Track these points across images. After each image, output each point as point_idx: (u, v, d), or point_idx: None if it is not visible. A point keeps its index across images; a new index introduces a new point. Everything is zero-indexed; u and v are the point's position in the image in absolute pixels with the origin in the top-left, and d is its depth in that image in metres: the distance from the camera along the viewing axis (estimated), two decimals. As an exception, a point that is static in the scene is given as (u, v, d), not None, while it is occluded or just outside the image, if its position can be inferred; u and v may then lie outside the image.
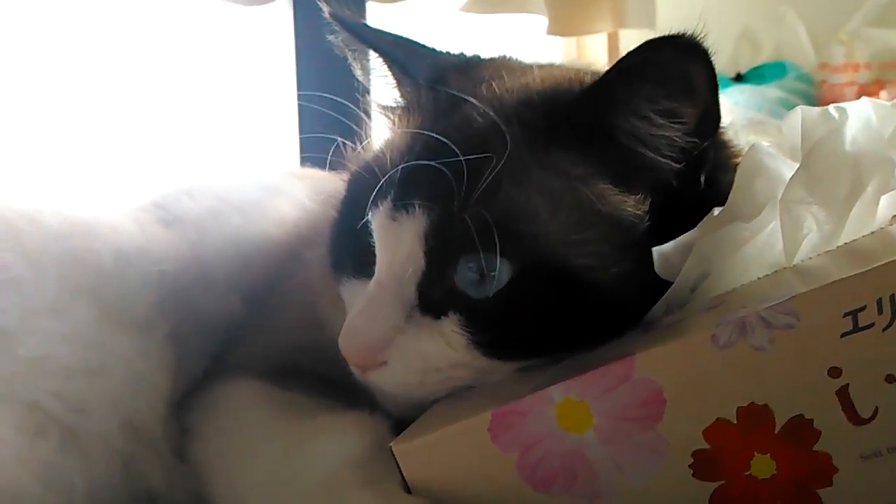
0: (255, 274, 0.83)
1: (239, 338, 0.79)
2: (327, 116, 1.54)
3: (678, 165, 0.58)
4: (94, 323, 0.67)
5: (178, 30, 1.55)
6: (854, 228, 0.54)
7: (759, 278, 0.55)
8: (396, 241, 0.60)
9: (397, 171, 0.61)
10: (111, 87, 1.45)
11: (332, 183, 0.97)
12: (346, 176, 0.74)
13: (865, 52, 2.45)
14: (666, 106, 0.56)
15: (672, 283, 0.57)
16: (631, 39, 2.59)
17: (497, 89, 0.63)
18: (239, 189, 0.90)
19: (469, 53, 0.76)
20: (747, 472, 0.49)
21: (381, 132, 0.76)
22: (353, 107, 0.75)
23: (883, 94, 2.38)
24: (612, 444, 0.51)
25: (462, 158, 0.57)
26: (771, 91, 2.45)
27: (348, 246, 0.68)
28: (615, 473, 0.51)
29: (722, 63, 2.66)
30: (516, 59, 0.74)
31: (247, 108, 1.62)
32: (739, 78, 2.66)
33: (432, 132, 0.62)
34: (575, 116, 0.59)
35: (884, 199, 0.53)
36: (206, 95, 1.56)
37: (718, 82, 0.56)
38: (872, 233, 0.53)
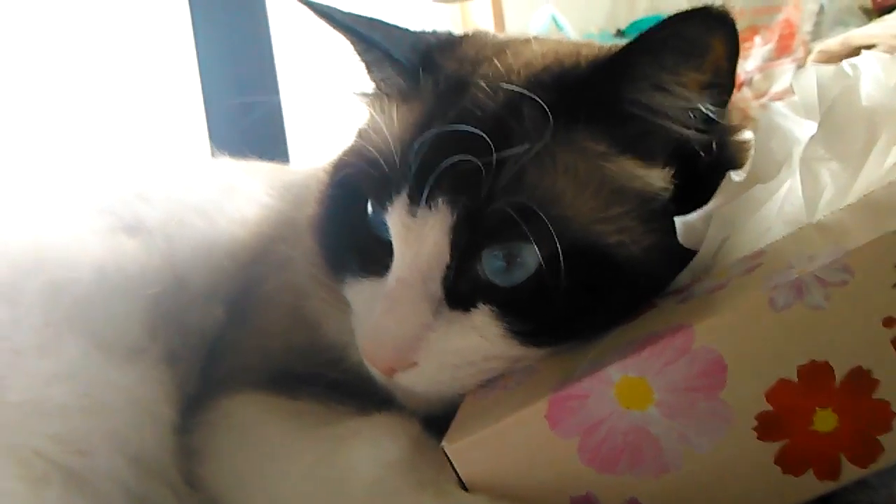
0: (230, 278, 0.79)
1: (226, 348, 0.75)
2: (234, 98, 1.48)
3: (704, 135, 0.58)
4: (85, 356, 0.63)
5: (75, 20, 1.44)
6: (866, 180, 0.56)
7: (783, 237, 0.56)
8: (419, 237, 0.58)
9: (412, 164, 0.58)
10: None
11: (285, 175, 0.94)
12: (331, 168, 0.71)
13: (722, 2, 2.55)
14: (692, 77, 0.56)
15: (691, 250, 0.58)
16: (514, 5, 2.62)
17: (501, 69, 0.62)
18: (195, 190, 0.85)
19: (439, 31, 0.74)
20: (810, 428, 0.50)
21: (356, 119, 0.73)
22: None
23: (757, 39, 2.50)
24: (676, 417, 0.51)
25: (494, 151, 0.55)
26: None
27: (348, 244, 0.66)
28: (680, 445, 0.51)
29: (602, 21, 2.74)
30: (493, 35, 0.73)
31: (150, 94, 1.53)
32: (620, 33, 2.73)
33: (438, 119, 0.60)
34: (595, 92, 0.58)
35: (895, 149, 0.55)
36: (109, 83, 1.46)
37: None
38: (888, 185, 0.55)
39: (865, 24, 2.16)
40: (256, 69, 1.50)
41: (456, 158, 0.56)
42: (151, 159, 1.22)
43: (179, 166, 0.96)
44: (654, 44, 0.56)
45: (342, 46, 0.73)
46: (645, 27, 0.56)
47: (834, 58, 1.80)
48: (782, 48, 2.40)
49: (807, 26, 2.35)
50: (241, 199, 0.86)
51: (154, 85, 1.54)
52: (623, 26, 2.75)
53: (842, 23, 2.30)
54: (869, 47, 1.71)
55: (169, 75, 1.56)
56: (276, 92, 1.52)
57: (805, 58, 2.11)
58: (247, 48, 1.50)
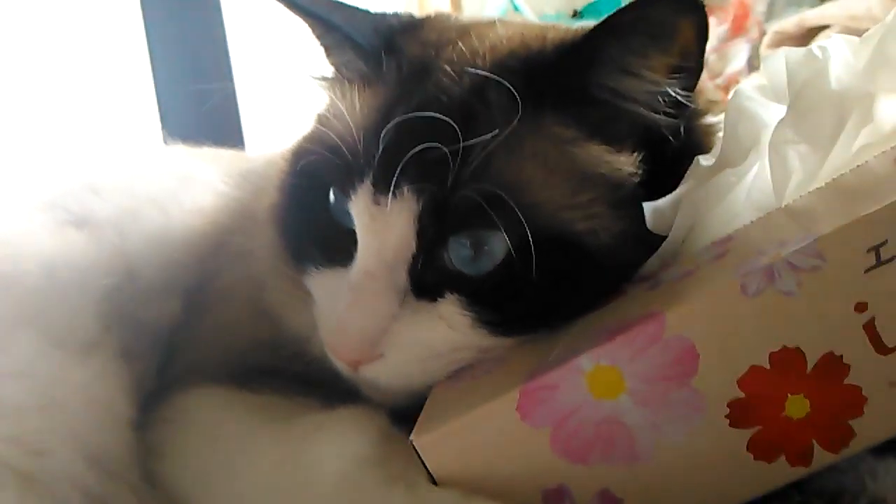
0: (187, 271, 0.77)
1: (185, 342, 0.73)
2: (186, 84, 1.45)
3: (672, 119, 0.57)
4: (38, 351, 0.60)
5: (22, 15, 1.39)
6: (834, 164, 0.56)
7: (752, 222, 0.56)
8: (384, 226, 0.57)
9: (376, 151, 0.57)
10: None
11: (242, 162, 0.91)
12: (290, 155, 0.69)
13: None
14: (660, 61, 0.55)
15: (660, 236, 0.58)
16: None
17: (466, 53, 0.60)
18: (149, 180, 0.82)
19: (399, 13, 0.72)
20: (783, 414, 0.50)
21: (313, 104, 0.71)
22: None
23: (712, 19, 2.50)
24: (648, 406, 0.51)
25: (460, 138, 0.54)
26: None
27: (310, 233, 0.64)
28: (652, 434, 0.51)
29: (559, 3, 2.73)
30: (455, 17, 0.71)
31: (101, 81, 1.48)
32: (576, 15, 2.72)
33: (402, 104, 0.58)
34: (562, 77, 0.57)
35: (864, 131, 0.55)
36: (58, 71, 1.42)
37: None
38: (856, 168, 0.55)
39: (818, 5, 2.17)
40: (209, 54, 1.47)
41: (422, 146, 0.54)
42: (103, 149, 1.18)
43: (132, 156, 0.93)
44: (621, 27, 0.55)
45: (297, 30, 0.71)
46: (602, 9, 0.56)
47: (789, 38, 1.82)
48: (736, 28, 2.41)
49: (760, 6, 2.36)
50: (196, 188, 0.84)
51: (104, 72, 1.50)
52: (580, 7, 2.74)
53: (795, 3, 2.30)
54: (824, 28, 1.72)
55: (119, 61, 1.52)
56: (230, 77, 1.48)
57: (759, 38, 2.12)
58: (199, 33, 1.47)
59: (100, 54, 1.49)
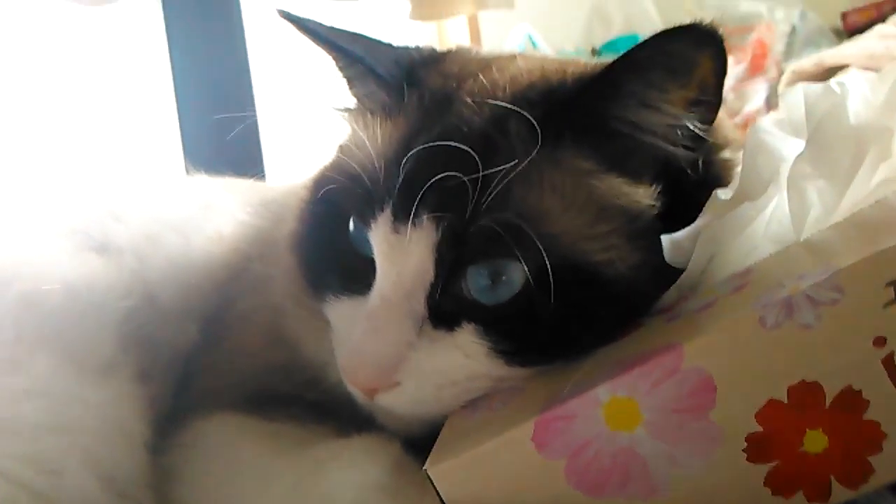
0: (205, 297, 0.77)
1: (200, 368, 0.74)
2: (208, 112, 1.46)
3: (690, 153, 0.58)
4: (57, 372, 0.61)
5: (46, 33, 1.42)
6: (853, 198, 0.56)
7: (770, 255, 0.56)
8: (403, 255, 0.57)
9: (396, 180, 0.57)
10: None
11: (262, 192, 0.92)
12: (311, 184, 0.70)
13: (710, 19, 2.57)
14: (680, 94, 0.56)
15: (678, 269, 0.58)
16: (491, 23, 2.62)
17: (487, 85, 0.61)
18: (170, 207, 0.83)
19: (420, 47, 0.73)
20: (800, 449, 0.49)
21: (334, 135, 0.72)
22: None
23: (730, 58, 2.52)
24: (664, 438, 0.50)
25: (480, 167, 0.54)
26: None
27: (330, 261, 0.64)
28: (669, 467, 0.51)
29: (577, 40, 2.75)
30: (476, 51, 0.72)
31: (125, 110, 1.51)
32: (595, 53, 2.74)
33: (422, 134, 0.59)
34: (581, 110, 0.57)
35: (882, 167, 0.55)
36: (83, 100, 1.44)
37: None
38: (875, 203, 0.55)
39: (836, 45, 2.18)
40: (232, 84, 1.49)
41: (442, 174, 0.54)
42: (125, 177, 1.20)
43: (154, 184, 0.94)
44: (641, 61, 0.55)
45: (319, 62, 0.72)
46: (621, 46, 0.57)
47: (807, 78, 1.82)
48: (755, 68, 2.42)
49: (779, 46, 2.37)
50: (217, 216, 0.85)
51: (128, 101, 1.52)
52: (598, 45, 2.76)
53: (813, 43, 2.32)
54: (842, 68, 1.73)
55: (143, 91, 1.55)
56: (252, 107, 1.50)
57: (778, 77, 2.12)
58: (222, 63, 1.49)
59: (124, 83, 1.52)
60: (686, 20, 0.54)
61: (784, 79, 1.89)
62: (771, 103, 2.07)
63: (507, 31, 2.59)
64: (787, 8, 2.45)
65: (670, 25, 0.53)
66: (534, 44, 2.65)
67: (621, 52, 0.56)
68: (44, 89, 1.46)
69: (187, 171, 1.02)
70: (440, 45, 2.53)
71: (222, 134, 1.45)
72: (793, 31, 2.40)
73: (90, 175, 1.37)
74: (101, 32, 1.55)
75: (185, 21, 1.47)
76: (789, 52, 2.35)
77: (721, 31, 0.53)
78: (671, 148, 0.58)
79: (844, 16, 2.47)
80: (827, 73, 1.76)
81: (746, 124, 1.97)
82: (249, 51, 1.51)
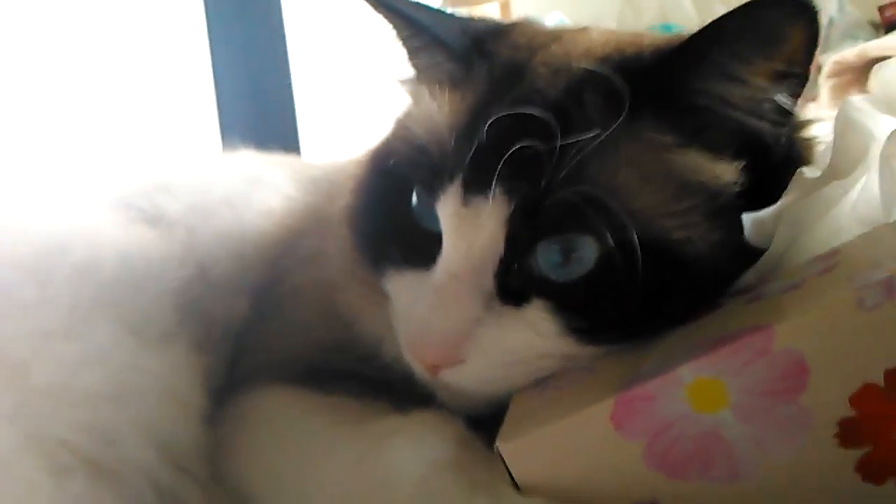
0: (255, 272, 0.76)
1: (253, 343, 0.72)
2: (245, 91, 1.46)
3: (776, 128, 0.55)
4: (115, 341, 0.60)
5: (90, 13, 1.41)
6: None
7: (859, 236, 0.54)
8: (473, 228, 0.55)
9: (467, 151, 0.55)
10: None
11: (310, 169, 0.91)
12: (369, 157, 0.68)
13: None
14: (768, 67, 0.53)
15: (758, 249, 0.56)
16: (523, 11, 2.60)
17: (561, 56, 0.59)
18: (219, 182, 0.82)
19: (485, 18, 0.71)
20: (895, 435, 0.47)
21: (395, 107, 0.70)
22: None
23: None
24: (751, 422, 0.48)
25: (558, 137, 0.52)
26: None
27: (390, 235, 0.62)
28: (755, 452, 0.49)
29: (612, 26, 2.73)
30: (541, 24, 0.70)
31: (161, 88, 1.50)
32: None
33: (494, 104, 0.57)
34: (662, 82, 0.55)
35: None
36: (122, 78, 1.43)
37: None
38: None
39: (875, 37, 2.15)
40: (269, 63, 1.47)
41: (519, 145, 0.52)
42: (172, 151, 1.19)
43: (202, 158, 0.93)
44: (728, 31, 0.53)
45: (357, 38, 0.70)
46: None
47: (849, 69, 1.79)
48: (790, 61, 2.38)
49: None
50: (266, 191, 0.84)
51: (166, 78, 1.51)
52: (629, 34, 2.74)
53: (851, 36, 2.29)
54: (885, 59, 1.69)
55: (181, 68, 1.53)
56: (290, 87, 1.49)
57: (816, 70, 2.09)
58: (260, 43, 1.48)
59: (162, 58, 1.51)
60: (720, 10, 0.53)
61: (825, 70, 1.85)
62: (809, 95, 2.04)
63: (539, 18, 2.57)
64: (824, 0, 2.42)
65: (703, 14, 0.51)
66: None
67: None
68: (83, 64, 1.46)
69: (224, 147, 1.01)
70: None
71: (259, 111, 1.45)
72: (830, 23, 2.36)
73: (132, 151, 1.36)
74: (141, 8, 1.54)
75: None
76: (826, 45, 2.31)
77: (815, 2, 0.51)
78: (756, 122, 0.55)
79: (882, 10, 2.43)
80: (870, 64, 1.72)
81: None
82: (287, 25, 1.50)
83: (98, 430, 0.57)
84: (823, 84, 1.82)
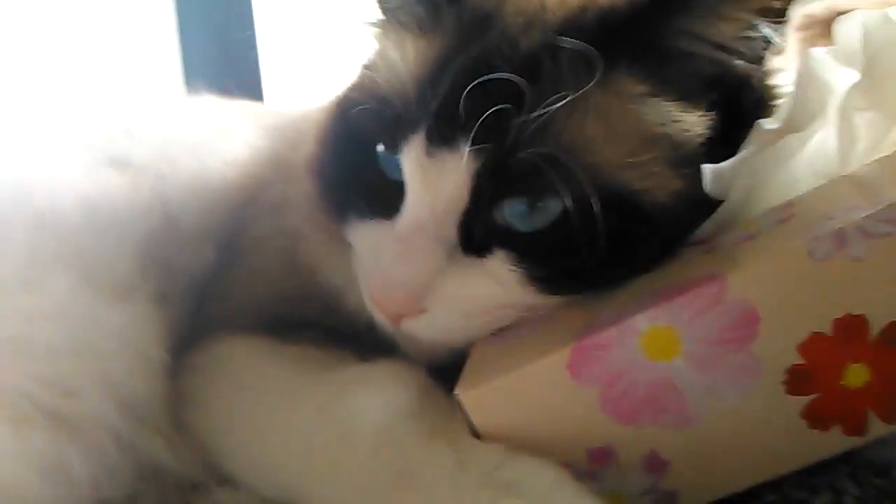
0: (221, 221, 0.75)
1: (217, 291, 0.72)
2: (208, 34, 1.43)
3: (756, 68, 0.56)
4: (73, 293, 0.59)
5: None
6: (900, 132, 0.54)
7: (815, 188, 0.55)
8: (437, 179, 0.55)
9: (432, 101, 0.55)
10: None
11: (275, 117, 0.90)
12: (334, 105, 0.67)
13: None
14: (760, 4, 0.53)
15: (715, 199, 0.56)
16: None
17: (534, 4, 0.58)
18: (185, 129, 0.81)
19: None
20: (841, 383, 0.49)
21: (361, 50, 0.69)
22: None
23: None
24: (703, 369, 0.50)
25: (527, 98, 0.52)
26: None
27: (354, 184, 0.62)
28: (706, 398, 0.50)
29: None
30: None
31: (125, 29, 1.46)
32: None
33: (461, 54, 0.56)
34: (642, 30, 0.54)
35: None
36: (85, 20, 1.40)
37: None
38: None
39: (846, -10, 2.15)
40: (233, 4, 1.45)
41: (489, 110, 0.52)
42: (137, 95, 1.17)
43: (167, 103, 0.91)
44: None
45: None
46: None
47: (818, 22, 1.79)
48: (760, 13, 2.38)
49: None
50: (231, 139, 0.82)
51: (130, 19, 1.48)
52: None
53: (823, -12, 2.28)
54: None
55: (143, 10, 1.50)
56: (252, 29, 1.46)
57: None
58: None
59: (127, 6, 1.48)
60: None
61: (792, 23, 1.85)
62: (779, 48, 2.03)
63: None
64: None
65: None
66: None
67: None
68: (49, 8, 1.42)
69: (188, 92, 0.99)
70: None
71: (221, 54, 1.42)
72: (801, -26, 2.35)
73: (97, 93, 1.33)
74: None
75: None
76: (797, -4, 2.31)
77: None
78: (736, 61, 0.55)
79: (854, -39, 2.42)
80: (838, 17, 1.73)
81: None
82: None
83: (58, 382, 0.56)
84: (791, 36, 1.82)
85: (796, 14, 1.64)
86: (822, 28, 1.84)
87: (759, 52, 0.56)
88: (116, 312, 0.60)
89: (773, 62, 0.58)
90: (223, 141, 0.81)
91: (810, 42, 1.86)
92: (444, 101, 0.54)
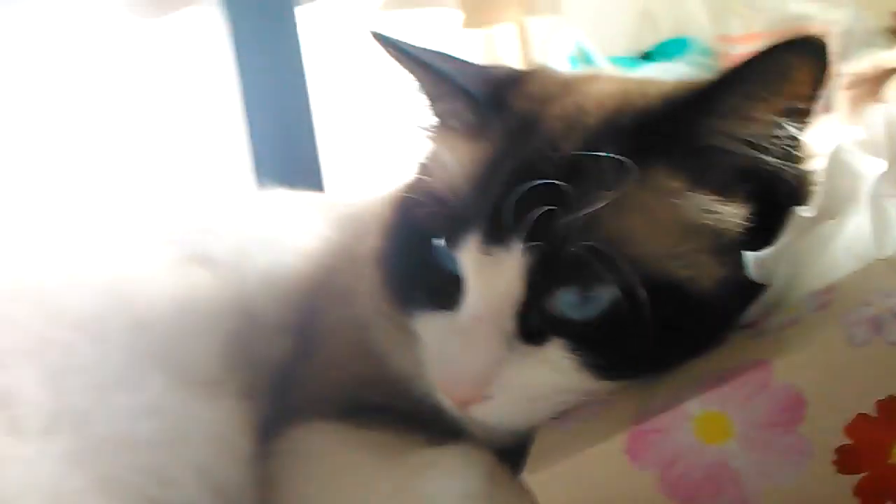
0: (295, 311, 0.81)
1: (296, 379, 0.77)
2: (276, 127, 1.52)
3: (786, 162, 0.59)
4: (167, 390, 0.65)
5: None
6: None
7: (853, 272, 0.58)
8: (494, 276, 0.59)
9: (485, 202, 0.60)
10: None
11: (341, 207, 0.96)
12: (393, 202, 0.73)
13: (762, 21, 2.56)
14: (781, 103, 0.57)
15: (761, 284, 0.59)
16: (539, 31, 2.64)
17: (573, 109, 0.63)
18: (257, 222, 0.87)
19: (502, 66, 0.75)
20: (889, 461, 0.51)
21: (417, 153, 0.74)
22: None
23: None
24: (755, 451, 0.52)
25: (572, 197, 0.56)
26: (677, 67, 2.54)
27: (415, 277, 0.67)
28: (760, 479, 0.53)
29: (626, 44, 2.76)
30: (555, 71, 0.74)
31: (192, 124, 1.56)
32: (646, 56, 2.74)
33: (510, 157, 0.61)
34: (676, 129, 0.59)
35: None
36: (153, 113, 1.50)
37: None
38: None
39: (891, 46, 2.16)
40: (295, 108, 1.54)
41: (538, 212, 0.56)
42: (211, 190, 1.25)
43: (240, 198, 0.98)
44: (744, 76, 0.57)
45: (378, 84, 0.74)
46: (670, 49, 0.57)
47: (864, 81, 1.81)
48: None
49: (834, 48, 2.35)
50: (301, 231, 0.88)
51: (195, 115, 1.58)
52: (647, 49, 2.76)
53: (868, 44, 2.30)
54: (900, 70, 1.72)
55: (210, 105, 1.60)
56: (312, 128, 1.55)
57: (833, 79, 2.11)
58: (285, 88, 1.55)
59: (191, 98, 1.58)
60: (735, 22, 0.55)
61: (841, 82, 1.87)
62: (826, 106, 2.05)
63: (556, 36, 2.61)
64: (839, 8, 2.43)
65: (718, 26, 0.54)
66: (583, 50, 2.66)
67: (671, 56, 0.57)
68: (111, 103, 1.52)
69: (258, 185, 1.06)
70: (488, 52, 2.56)
71: (285, 152, 1.51)
72: (846, 31, 2.37)
73: (172, 191, 1.42)
74: (165, 44, 1.61)
75: (249, 48, 1.53)
76: (844, 54, 2.32)
77: (827, 42, 0.55)
78: (765, 157, 0.59)
79: (896, 15, 2.44)
80: (885, 75, 1.75)
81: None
82: (308, 75, 1.56)
83: (156, 473, 0.62)
84: (840, 96, 1.84)
85: (845, 72, 1.66)
86: (870, 85, 1.86)
87: (787, 148, 0.59)
88: (207, 407, 0.66)
89: (807, 148, 0.62)
90: (292, 232, 0.87)
91: (858, 99, 1.88)
92: (496, 204, 0.59)
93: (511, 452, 0.63)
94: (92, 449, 0.60)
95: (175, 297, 0.70)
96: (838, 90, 1.91)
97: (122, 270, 0.72)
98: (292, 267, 0.82)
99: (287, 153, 1.54)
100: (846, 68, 2.00)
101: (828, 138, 0.64)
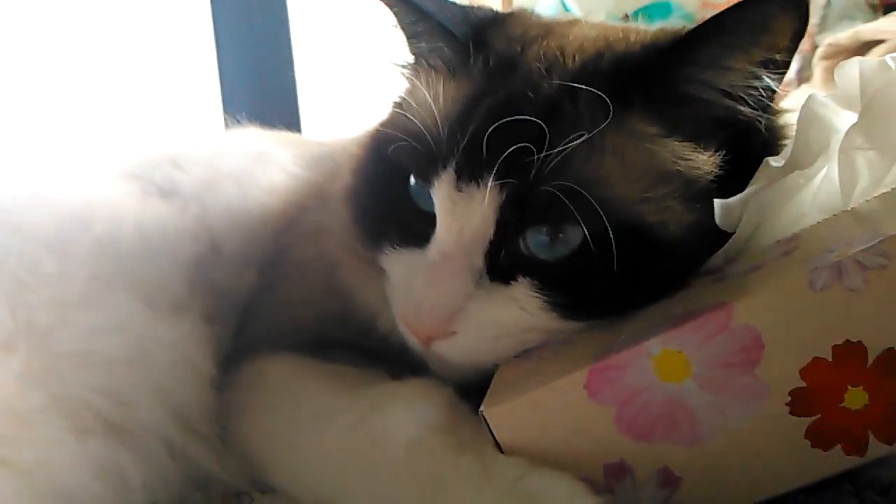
0: (261, 246, 0.80)
1: (258, 312, 0.77)
2: (248, 70, 1.49)
3: (761, 113, 0.59)
4: (131, 310, 0.64)
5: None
6: (900, 171, 0.58)
7: (818, 223, 0.58)
8: (465, 212, 0.60)
9: (462, 139, 0.59)
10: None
11: (314, 147, 0.95)
12: (368, 139, 0.72)
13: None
14: (759, 55, 0.57)
15: (725, 231, 0.60)
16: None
17: (554, 52, 0.63)
18: (228, 157, 0.86)
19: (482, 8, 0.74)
20: (841, 405, 0.52)
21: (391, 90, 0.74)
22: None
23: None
24: (712, 391, 0.53)
25: (547, 136, 0.56)
26: (659, 31, 2.54)
27: (387, 214, 0.67)
28: (715, 418, 0.54)
29: (609, 6, 2.74)
30: (536, 15, 0.74)
31: (165, 64, 1.53)
32: (627, 18, 2.73)
33: (488, 96, 0.61)
34: (655, 76, 0.59)
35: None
36: (127, 59, 1.47)
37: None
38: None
39: (872, 19, 2.17)
40: (272, 42, 1.51)
41: (512, 147, 0.56)
42: (178, 128, 1.23)
43: (210, 134, 0.97)
44: (725, 26, 0.57)
45: (358, 20, 0.73)
46: (652, 13, 0.57)
47: (843, 51, 1.82)
48: (787, 41, 2.40)
49: (813, 19, 2.36)
50: (271, 168, 0.88)
51: (169, 55, 1.55)
52: (630, 11, 2.75)
53: (848, 17, 2.30)
54: (879, 42, 1.73)
55: (184, 45, 1.57)
56: (291, 66, 1.53)
57: (811, 50, 2.12)
58: (263, 22, 1.52)
59: (165, 38, 1.55)
60: None
61: (819, 52, 1.88)
62: (802, 76, 2.07)
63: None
64: (820, -19, 2.43)
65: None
66: (566, 9, 2.64)
67: (654, 19, 0.58)
68: (83, 40, 1.49)
69: (227, 125, 1.05)
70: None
71: (261, 90, 1.49)
72: (827, 3, 2.38)
73: (139, 126, 1.40)
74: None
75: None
76: (823, 25, 2.33)
77: None
78: (741, 107, 0.59)
79: (880, -10, 2.44)
80: (863, 48, 1.76)
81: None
82: (290, 12, 1.53)
83: (115, 393, 0.62)
84: (817, 65, 1.85)
85: (822, 43, 1.67)
86: (847, 56, 1.87)
87: (763, 99, 0.59)
88: (170, 328, 0.66)
89: (782, 101, 0.62)
90: (262, 169, 0.86)
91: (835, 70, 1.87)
92: (472, 140, 0.59)
93: (473, 391, 0.63)
94: (50, 367, 0.60)
95: (139, 222, 0.70)
96: (817, 60, 1.92)
97: (87, 197, 0.71)
98: (260, 203, 0.82)
99: (263, 90, 1.52)
100: (825, 39, 2.01)
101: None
